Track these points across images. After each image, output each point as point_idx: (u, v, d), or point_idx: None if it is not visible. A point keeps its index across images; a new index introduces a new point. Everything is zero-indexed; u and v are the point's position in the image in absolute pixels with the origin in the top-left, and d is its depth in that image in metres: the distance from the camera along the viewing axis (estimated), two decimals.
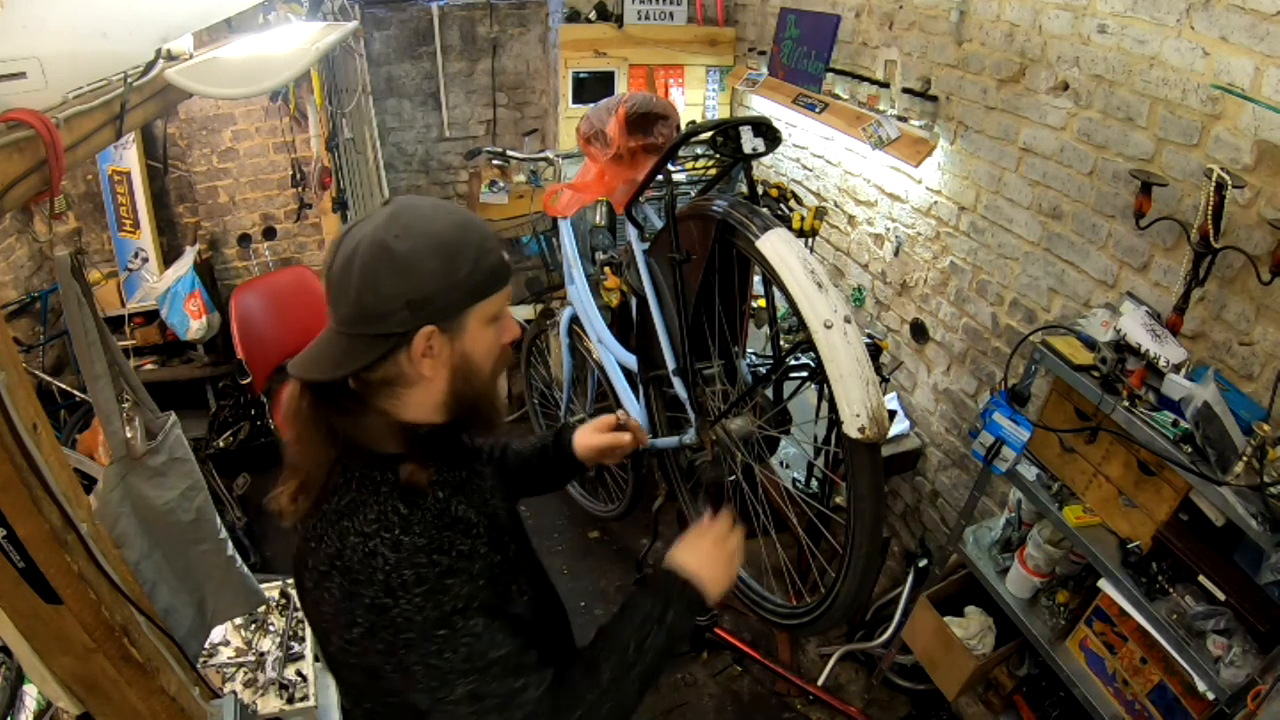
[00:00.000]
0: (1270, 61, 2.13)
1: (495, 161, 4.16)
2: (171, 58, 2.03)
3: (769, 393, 2.58)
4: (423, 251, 1.22)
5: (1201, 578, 2.28)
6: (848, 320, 1.88)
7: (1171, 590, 2.34)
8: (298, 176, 5.01)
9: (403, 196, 1.39)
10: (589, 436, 1.92)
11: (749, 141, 2.24)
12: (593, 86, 5.05)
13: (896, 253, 3.83)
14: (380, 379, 1.30)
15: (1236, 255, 2.21)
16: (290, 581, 3.10)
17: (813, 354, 2.00)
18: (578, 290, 3.49)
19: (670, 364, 2.62)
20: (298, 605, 3.02)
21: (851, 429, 1.86)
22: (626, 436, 1.92)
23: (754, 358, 3.04)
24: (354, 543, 1.22)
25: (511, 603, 1.37)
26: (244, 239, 5.17)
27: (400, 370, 1.29)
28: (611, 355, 3.31)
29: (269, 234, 5.23)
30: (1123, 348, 2.37)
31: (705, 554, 1.60)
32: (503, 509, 1.54)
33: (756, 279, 3.37)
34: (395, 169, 5.77)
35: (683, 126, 2.78)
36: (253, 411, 4.70)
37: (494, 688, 1.24)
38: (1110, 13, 2.58)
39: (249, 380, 4.37)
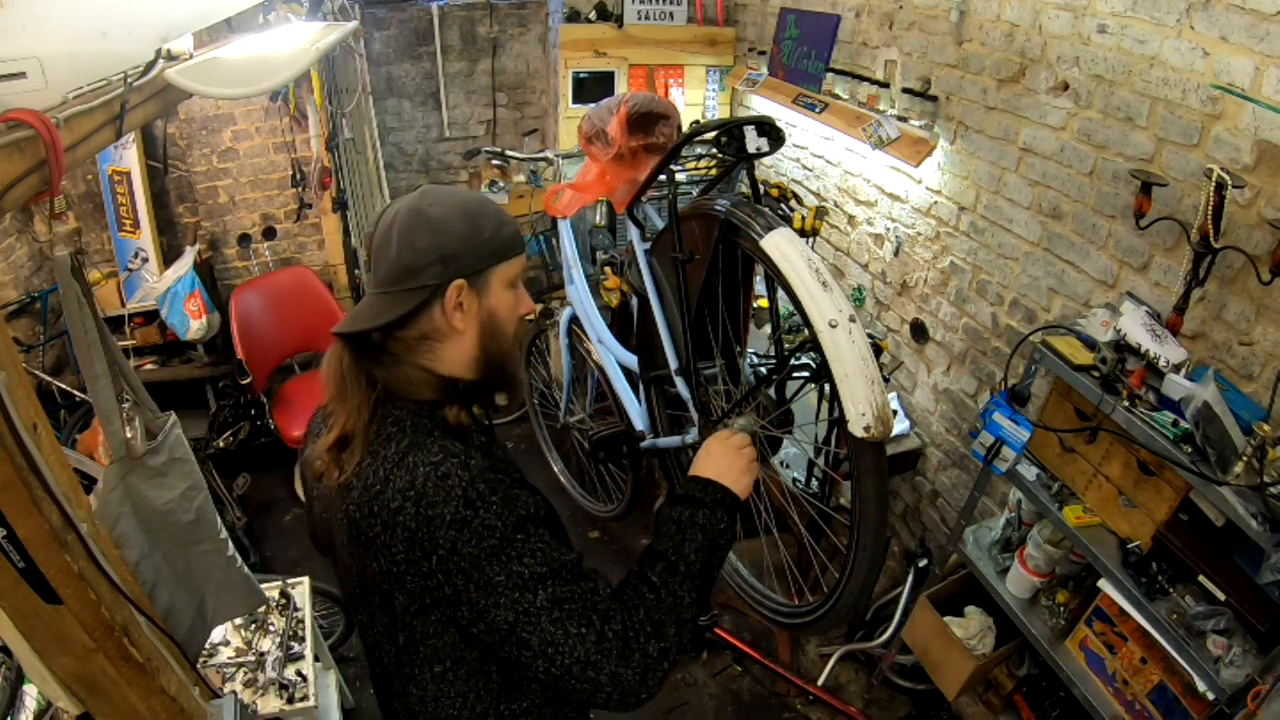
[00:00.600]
0: (1270, 61, 2.13)
1: (495, 161, 4.16)
2: (171, 58, 2.03)
3: (771, 392, 2.58)
4: (452, 215, 1.40)
5: (1201, 578, 2.28)
6: (852, 319, 1.88)
7: (1171, 590, 2.34)
8: (298, 176, 5.01)
9: (427, 184, 1.60)
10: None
11: (753, 141, 2.23)
12: (593, 86, 5.05)
13: (896, 253, 3.83)
14: (417, 334, 1.45)
15: (1236, 255, 2.21)
16: (291, 581, 3.10)
17: (815, 354, 2.00)
18: (577, 290, 3.49)
19: (673, 364, 2.62)
20: (299, 605, 3.02)
21: (857, 428, 1.85)
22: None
23: (755, 358, 3.05)
24: (425, 471, 1.31)
25: (563, 526, 1.52)
26: (244, 239, 5.17)
27: (434, 324, 1.44)
28: (611, 355, 3.31)
29: (269, 234, 5.22)
30: (1123, 348, 2.37)
31: (724, 459, 1.70)
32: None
33: (758, 278, 3.38)
34: (395, 169, 5.77)
35: (684, 126, 2.79)
36: (253, 411, 4.69)
37: (570, 590, 1.32)
38: (1110, 13, 2.58)
39: (249, 380, 4.37)
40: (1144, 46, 2.49)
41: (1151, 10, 2.45)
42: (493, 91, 5.75)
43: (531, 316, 1.52)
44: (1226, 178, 2.06)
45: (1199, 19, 2.31)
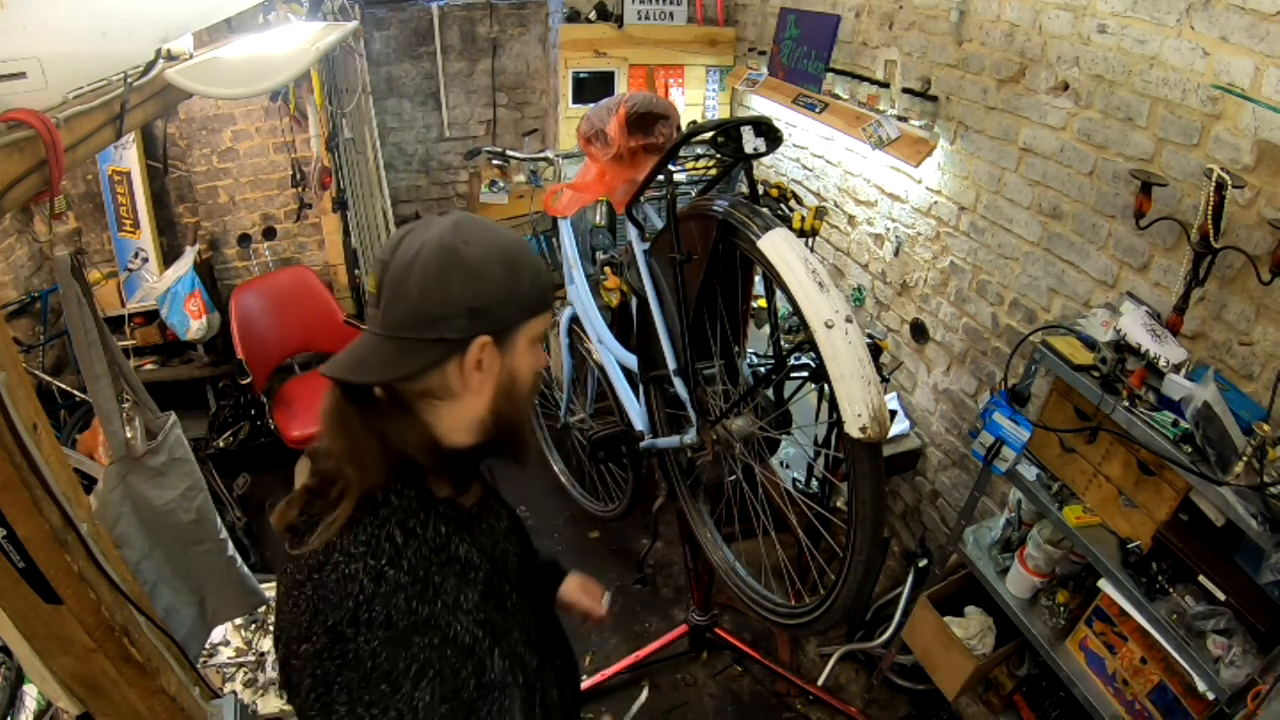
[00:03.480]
0: (1270, 61, 2.13)
1: (495, 161, 4.15)
2: (171, 58, 2.04)
3: (770, 393, 2.58)
4: (492, 260, 1.21)
5: (1201, 578, 2.27)
6: (849, 320, 1.88)
7: (1171, 590, 2.34)
8: (298, 176, 5.01)
9: (458, 212, 1.32)
10: (577, 589, 1.93)
11: (750, 141, 2.23)
12: (593, 86, 5.06)
13: (896, 253, 3.83)
14: (420, 390, 1.25)
15: (1236, 255, 2.21)
16: None
17: (814, 354, 2.00)
18: (578, 290, 3.49)
19: (671, 364, 2.62)
20: None
21: (853, 429, 1.85)
22: (602, 610, 1.93)
23: (755, 358, 3.05)
24: (337, 560, 1.13)
25: (487, 669, 1.21)
26: (244, 239, 5.17)
27: (445, 382, 1.24)
28: (611, 355, 3.31)
29: (269, 234, 5.23)
30: (1123, 348, 2.37)
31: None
32: (515, 554, 1.44)
33: (757, 279, 3.38)
34: (395, 169, 5.78)
35: (683, 126, 2.79)
36: (253, 411, 4.70)
37: None
38: (1110, 13, 2.58)
39: (249, 380, 4.37)
40: (1144, 46, 2.49)
41: (1151, 10, 2.45)
42: (493, 91, 5.75)
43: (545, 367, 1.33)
44: (1226, 178, 2.06)
45: (1199, 19, 2.31)
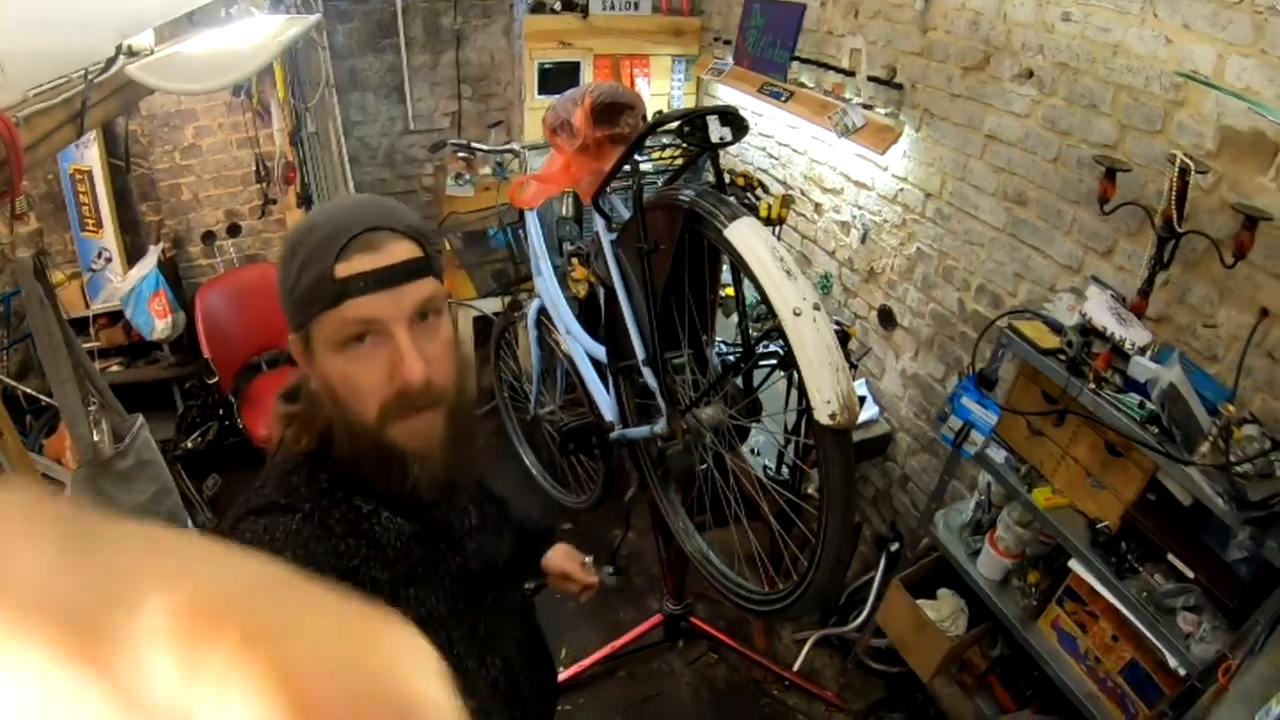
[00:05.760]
0: (1233, 49, 2.17)
1: (460, 154, 4.13)
2: (132, 53, 2.01)
3: (739, 381, 2.59)
4: (286, 241, 1.10)
5: (1170, 556, 2.31)
6: (816, 307, 1.89)
7: (1141, 569, 2.38)
8: (262, 172, 4.96)
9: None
10: (563, 559, 1.88)
11: (716, 130, 2.23)
12: (558, 77, 5.03)
13: (863, 240, 3.85)
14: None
15: (1200, 239, 2.24)
16: None
17: (782, 342, 2.01)
18: (545, 282, 3.48)
19: (640, 354, 2.61)
20: None
21: (822, 415, 1.87)
22: (593, 580, 1.88)
23: (723, 346, 3.05)
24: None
25: None
26: (208, 236, 5.10)
27: None
28: (580, 346, 3.30)
29: (233, 230, 5.16)
30: (1088, 331, 2.39)
31: None
32: (464, 560, 1.29)
33: (725, 267, 3.38)
34: (360, 163, 5.72)
35: (649, 116, 2.78)
36: (221, 411, 4.64)
37: None
38: (1074, 1, 2.60)
39: (216, 380, 4.33)
40: (1108, 35, 2.52)
41: None
42: (457, 83, 5.71)
43: (416, 382, 1.05)
44: (1190, 163, 2.09)
45: (1162, 7, 2.34)
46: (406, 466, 1.11)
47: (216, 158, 5.01)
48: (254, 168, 4.97)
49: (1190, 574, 2.26)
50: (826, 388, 1.85)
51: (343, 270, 1.02)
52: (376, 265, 1.03)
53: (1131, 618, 2.36)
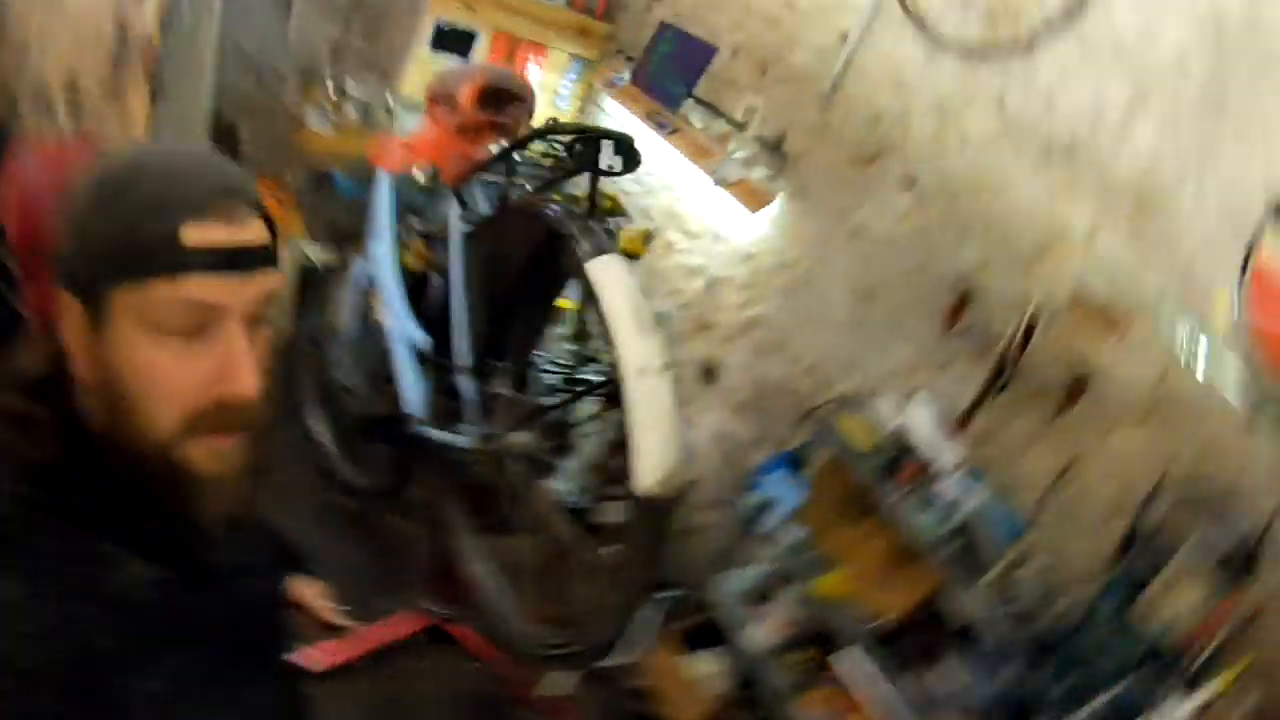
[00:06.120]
0: (1107, 221, 2.27)
1: (333, 89, 3.88)
2: None
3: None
4: (92, 183, 0.85)
5: (941, 662, 2.38)
6: (664, 369, 1.83)
7: (912, 670, 2.43)
8: (117, 48, 4.48)
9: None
10: (308, 591, 1.52)
11: (608, 157, 2.15)
12: (452, 41, 4.79)
13: (707, 290, 3.83)
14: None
15: (1032, 382, 2.32)
16: None
17: (612, 381, 1.93)
18: (381, 250, 3.27)
19: (463, 360, 2.48)
20: None
21: (642, 483, 1.80)
22: (334, 621, 1.54)
23: (549, 365, 2.96)
24: None
25: None
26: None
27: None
28: (399, 326, 3.12)
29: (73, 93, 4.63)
30: (905, 440, 2.45)
31: None
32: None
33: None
34: (225, 70, 5.29)
35: (535, 112, 2.68)
36: None
37: None
38: (979, 133, 2.66)
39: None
40: (1001, 175, 2.59)
41: (1019, 139, 2.55)
42: (348, 14, 5.38)
43: (244, 396, 0.85)
44: (1040, 312, 2.17)
45: (1059, 161, 2.42)
46: (195, 495, 0.88)
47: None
48: (111, 36, 4.47)
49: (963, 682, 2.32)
50: (654, 456, 1.79)
51: (193, 235, 0.81)
52: (233, 240, 0.84)
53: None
